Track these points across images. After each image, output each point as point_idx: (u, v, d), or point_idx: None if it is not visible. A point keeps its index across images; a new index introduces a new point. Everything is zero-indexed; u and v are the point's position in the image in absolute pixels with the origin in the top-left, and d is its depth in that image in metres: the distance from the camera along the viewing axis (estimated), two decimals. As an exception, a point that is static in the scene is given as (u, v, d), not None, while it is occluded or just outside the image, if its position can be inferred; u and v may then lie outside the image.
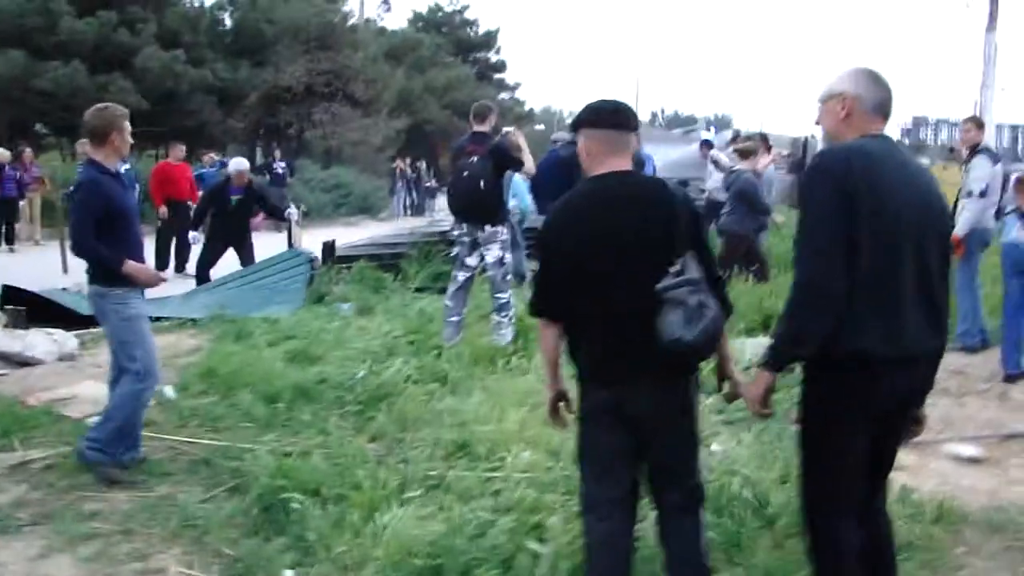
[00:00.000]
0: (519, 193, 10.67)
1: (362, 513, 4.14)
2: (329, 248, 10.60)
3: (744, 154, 9.94)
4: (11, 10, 23.07)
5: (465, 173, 7.37)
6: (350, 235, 14.31)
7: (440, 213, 24.76)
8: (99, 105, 4.84)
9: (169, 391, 6.30)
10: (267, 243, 11.28)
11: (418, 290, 10.08)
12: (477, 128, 7.54)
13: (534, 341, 7.04)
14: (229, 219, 10.22)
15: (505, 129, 8.25)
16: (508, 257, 7.44)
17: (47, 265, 11.42)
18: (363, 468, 4.65)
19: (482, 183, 7.24)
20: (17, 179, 16.13)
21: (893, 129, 13.36)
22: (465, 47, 46.41)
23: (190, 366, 7.00)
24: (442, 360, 6.86)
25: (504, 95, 48.26)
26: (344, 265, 10.43)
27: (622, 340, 3.07)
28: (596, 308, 3.10)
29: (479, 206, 7.37)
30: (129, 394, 4.86)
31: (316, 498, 4.37)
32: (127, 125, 4.88)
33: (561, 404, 3.46)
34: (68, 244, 5.13)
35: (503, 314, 7.49)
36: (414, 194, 28.98)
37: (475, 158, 7.32)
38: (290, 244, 10.75)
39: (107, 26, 24.19)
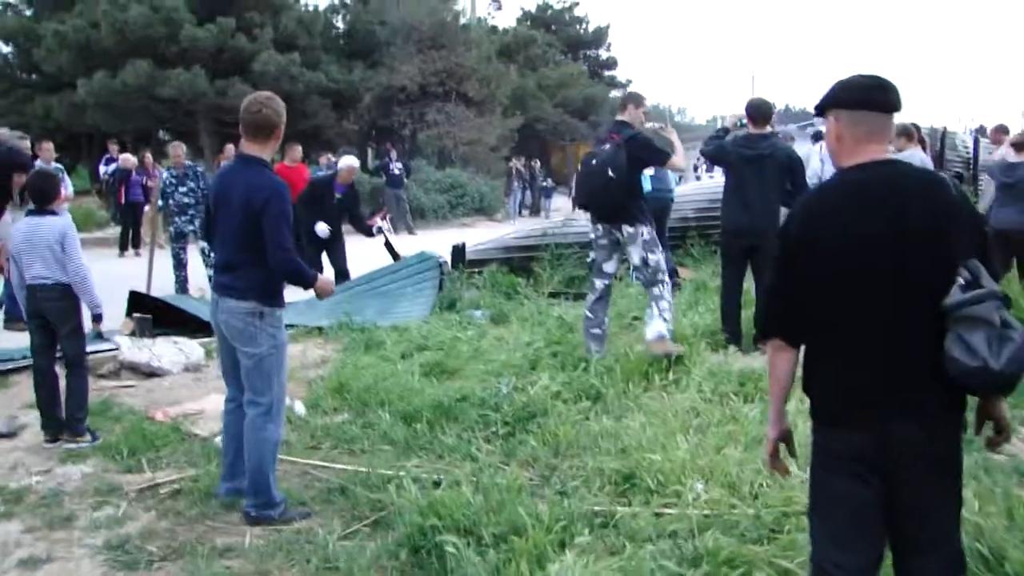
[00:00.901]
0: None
1: (528, 560, 3.57)
2: (459, 251, 10.09)
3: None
4: (138, 22, 23.43)
5: (594, 161, 6.73)
6: (467, 237, 13.84)
7: (555, 213, 24.20)
8: (263, 94, 4.37)
9: (299, 407, 5.89)
10: (356, 249, 10.78)
11: (551, 295, 9.50)
12: (619, 117, 6.93)
13: (686, 355, 6.44)
14: (328, 215, 9.82)
15: (652, 124, 7.58)
16: (654, 257, 6.73)
17: (171, 270, 11.24)
18: (520, 503, 4.10)
19: (610, 171, 6.53)
20: (143, 184, 16.22)
21: None
22: (575, 44, 45.71)
23: (319, 380, 6.60)
24: (590, 374, 6.26)
25: (615, 92, 47.42)
26: (474, 269, 9.90)
27: (888, 366, 2.45)
28: (856, 326, 2.49)
29: (606, 198, 6.65)
30: (265, 441, 4.36)
31: (470, 538, 3.85)
32: None
33: (783, 446, 2.82)
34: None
35: (660, 306, 6.68)
36: (529, 194, 28.49)
37: (607, 145, 6.67)
38: (393, 255, 10.29)
39: (226, 32, 24.37)
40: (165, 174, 11.18)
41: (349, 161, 10.05)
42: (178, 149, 11.30)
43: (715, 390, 5.87)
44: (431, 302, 9.05)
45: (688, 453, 4.65)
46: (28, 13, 27.79)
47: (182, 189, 10.92)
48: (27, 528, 4.34)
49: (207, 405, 5.99)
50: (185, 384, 6.71)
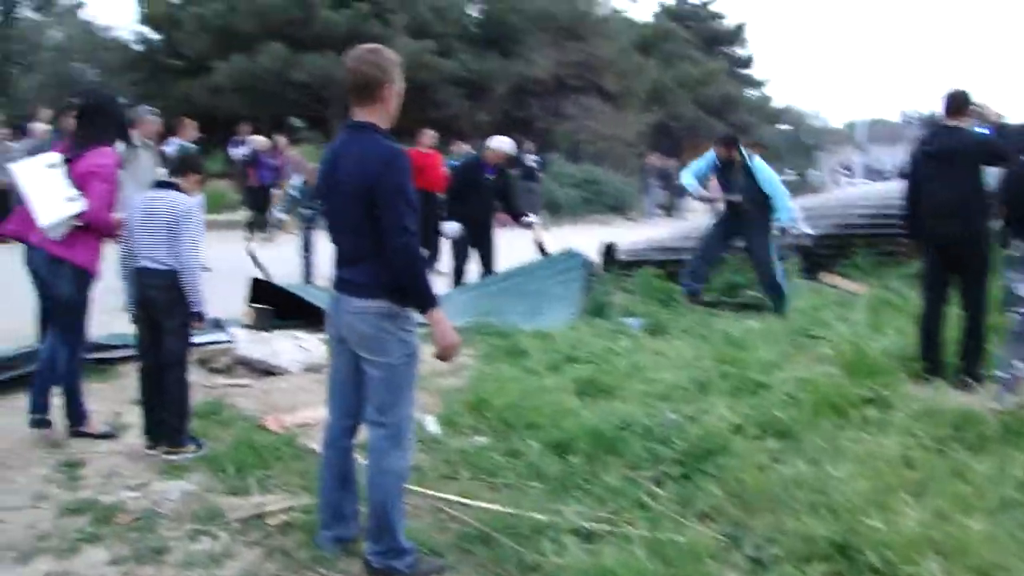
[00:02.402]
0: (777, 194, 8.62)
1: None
2: (609, 251, 9.11)
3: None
4: (275, 5, 23.44)
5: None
6: (602, 235, 12.88)
7: (691, 214, 22.99)
8: (364, 47, 3.46)
9: (432, 424, 5.08)
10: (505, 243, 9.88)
11: (709, 304, 8.45)
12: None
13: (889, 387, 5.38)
14: (479, 201, 9.02)
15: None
16: None
17: (291, 259, 10.68)
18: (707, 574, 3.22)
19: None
20: (273, 167, 15.87)
21: None
22: (711, 41, 44.21)
23: (454, 391, 5.75)
24: (771, 403, 5.24)
25: (751, 91, 45.71)
26: (626, 271, 8.90)
27: None
28: None
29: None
30: (390, 472, 3.50)
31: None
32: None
33: None
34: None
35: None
36: (665, 193, 27.27)
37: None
38: (542, 251, 9.38)
39: (360, 17, 24.17)
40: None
41: (500, 142, 9.15)
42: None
43: (928, 434, 4.80)
44: (577, 305, 8.12)
45: (914, 520, 3.65)
46: (175, 2, 28.25)
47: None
48: (113, 558, 3.64)
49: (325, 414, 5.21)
50: (304, 386, 5.97)
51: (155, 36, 28.79)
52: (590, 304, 8.17)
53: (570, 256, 8.84)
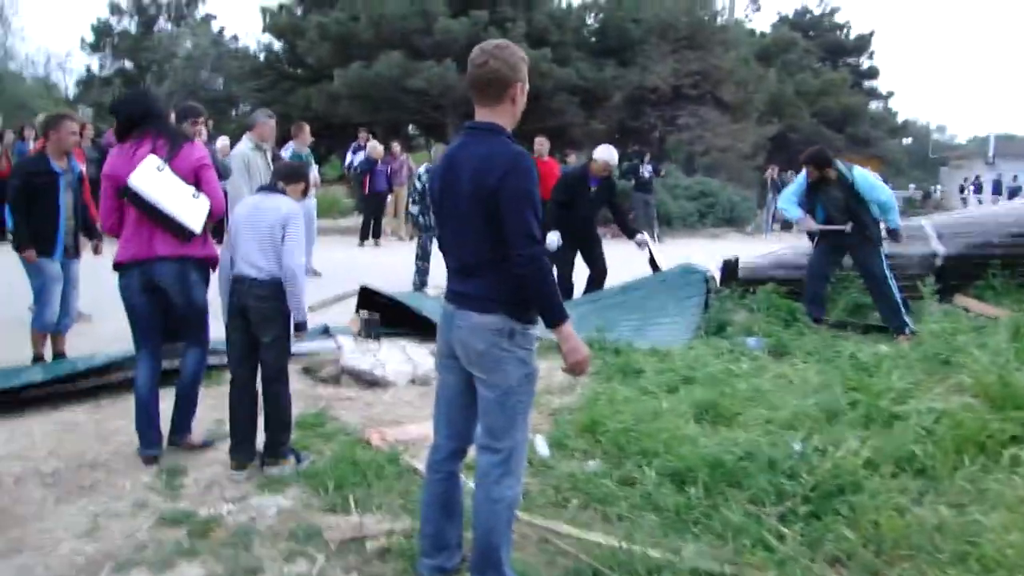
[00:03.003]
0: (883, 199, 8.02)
1: None
2: (731, 266, 8.68)
3: None
4: (395, 14, 23.68)
5: None
6: (717, 248, 12.41)
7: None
8: (491, 42, 3.21)
9: (542, 446, 4.82)
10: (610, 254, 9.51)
11: (834, 326, 7.94)
12: None
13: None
14: (580, 212, 8.72)
15: None
16: None
17: (410, 264, 10.57)
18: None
19: None
20: (387, 173, 15.95)
21: None
22: (834, 51, 42.88)
23: (566, 411, 5.47)
24: (907, 436, 4.79)
25: (875, 104, 44.13)
26: (747, 288, 8.45)
27: None
28: None
29: None
30: (500, 501, 3.22)
31: None
32: None
33: None
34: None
35: None
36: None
37: None
38: (655, 268, 9.01)
39: (479, 25, 24.17)
40: (424, 173, 10.51)
41: (607, 153, 8.83)
42: (440, 149, 10.60)
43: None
44: (695, 323, 7.73)
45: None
46: (299, 12, 28.95)
47: None
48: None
49: (432, 431, 4.99)
50: (410, 400, 5.78)
51: (278, 45, 29.67)
52: (710, 322, 7.77)
53: (690, 271, 8.45)
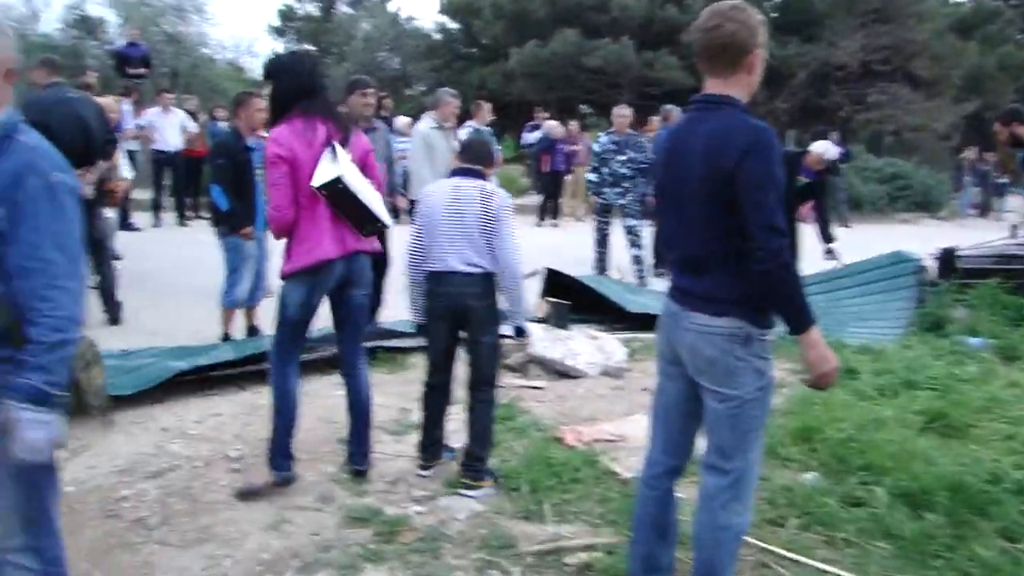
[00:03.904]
0: None
1: None
2: (948, 257, 7.89)
3: None
4: (571, -11, 23.43)
5: None
6: (909, 234, 11.40)
7: (1010, 215, 20.46)
8: (724, 4, 2.74)
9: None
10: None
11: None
12: None
13: None
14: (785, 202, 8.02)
15: None
16: None
17: (589, 244, 10.19)
18: None
19: None
20: (566, 153, 15.65)
21: None
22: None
23: (776, 414, 4.97)
24: None
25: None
26: (967, 282, 7.63)
27: None
28: None
29: None
30: (726, 529, 2.81)
31: None
32: None
33: None
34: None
35: None
36: (980, 191, 24.55)
37: None
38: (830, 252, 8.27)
39: (656, 2, 23.58)
40: (604, 138, 10.00)
41: (824, 146, 8.15)
42: (623, 110, 9.97)
43: None
44: (906, 318, 7.04)
45: None
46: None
47: (620, 158, 9.71)
48: (394, 583, 3.25)
49: (629, 429, 4.65)
50: (603, 394, 5.43)
51: (454, 25, 29.88)
52: (924, 318, 7.05)
53: (900, 260, 7.72)
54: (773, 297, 2.64)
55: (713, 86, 2.76)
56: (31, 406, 2.21)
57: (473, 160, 4.21)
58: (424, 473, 4.23)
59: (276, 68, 3.98)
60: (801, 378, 2.83)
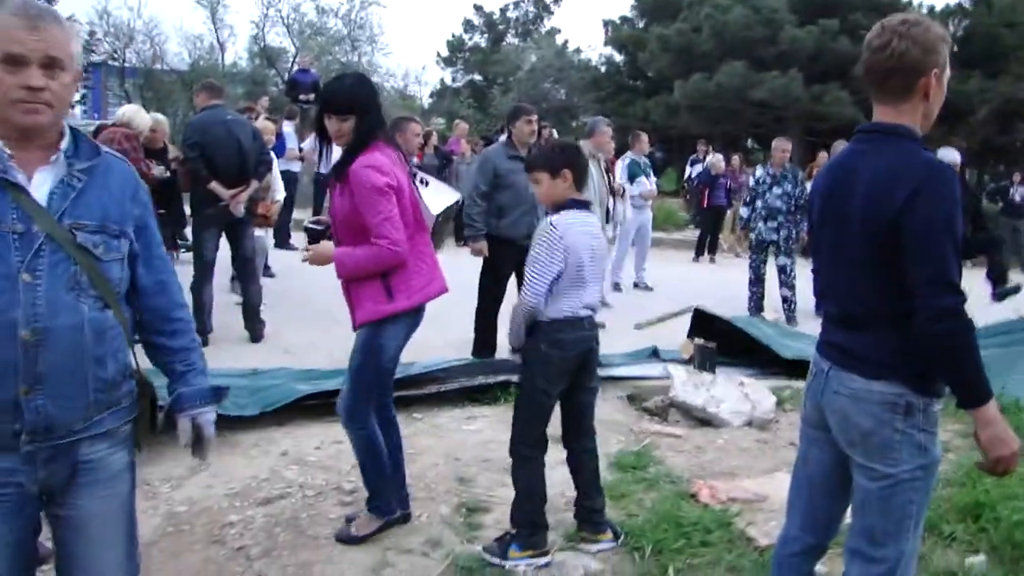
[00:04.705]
0: None
1: None
2: None
3: None
4: (738, 23, 22.82)
5: None
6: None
7: None
8: (895, 19, 2.36)
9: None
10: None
11: None
12: None
13: None
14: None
15: None
16: None
17: (738, 286, 9.71)
18: None
19: None
20: (728, 187, 15.17)
21: None
22: None
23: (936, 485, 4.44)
24: None
25: None
26: None
27: None
28: None
29: None
30: None
31: None
32: None
33: None
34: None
35: None
36: None
37: None
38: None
39: (827, 34, 22.73)
40: (760, 171, 9.57)
41: (949, 153, 7.45)
42: (784, 144, 9.53)
43: None
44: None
45: None
46: (641, 24, 28.88)
47: (776, 191, 9.27)
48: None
49: (772, 488, 4.21)
50: (746, 446, 4.99)
51: (619, 57, 29.78)
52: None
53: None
54: (941, 365, 2.22)
55: (882, 114, 2.38)
56: (213, 406, 2.29)
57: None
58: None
59: (365, 94, 3.61)
60: (975, 461, 2.37)
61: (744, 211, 9.60)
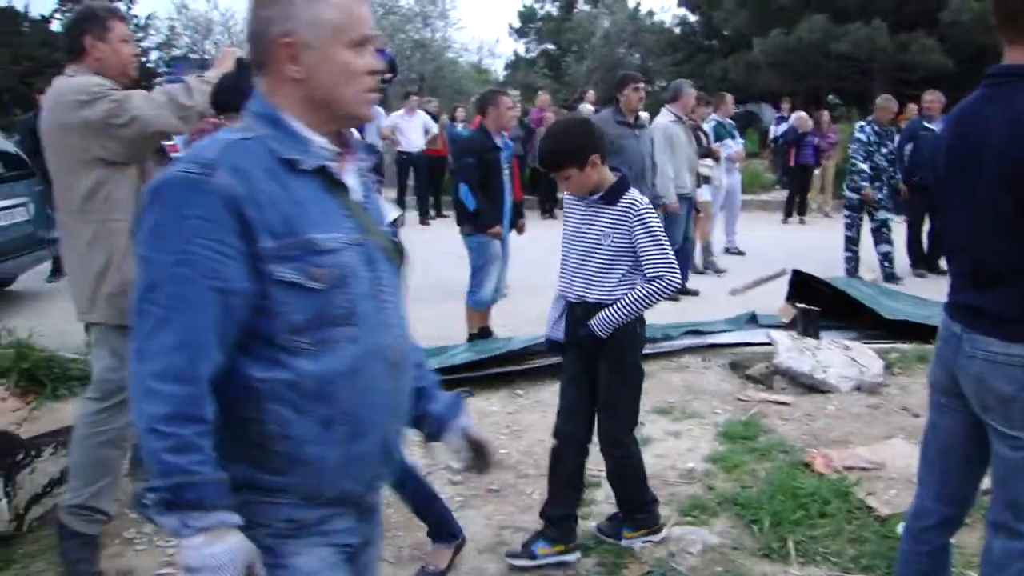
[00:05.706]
0: None
1: None
2: None
3: None
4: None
5: None
6: None
7: None
8: None
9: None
10: None
11: None
12: None
13: None
14: None
15: None
16: None
17: (836, 245, 9.45)
18: None
19: None
20: (815, 146, 14.73)
21: None
22: None
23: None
24: None
25: None
26: None
27: None
28: None
29: None
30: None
31: None
32: None
33: None
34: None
35: None
36: None
37: None
38: None
39: (911, -21, 21.90)
40: (868, 129, 9.23)
41: None
42: (890, 103, 9.29)
43: None
44: None
45: None
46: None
47: (883, 150, 9.05)
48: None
49: (888, 456, 4.10)
50: (857, 413, 4.85)
51: (693, 18, 29.24)
52: None
53: None
54: None
55: (1013, 56, 2.21)
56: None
57: None
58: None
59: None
60: None
61: (866, 167, 9.17)
